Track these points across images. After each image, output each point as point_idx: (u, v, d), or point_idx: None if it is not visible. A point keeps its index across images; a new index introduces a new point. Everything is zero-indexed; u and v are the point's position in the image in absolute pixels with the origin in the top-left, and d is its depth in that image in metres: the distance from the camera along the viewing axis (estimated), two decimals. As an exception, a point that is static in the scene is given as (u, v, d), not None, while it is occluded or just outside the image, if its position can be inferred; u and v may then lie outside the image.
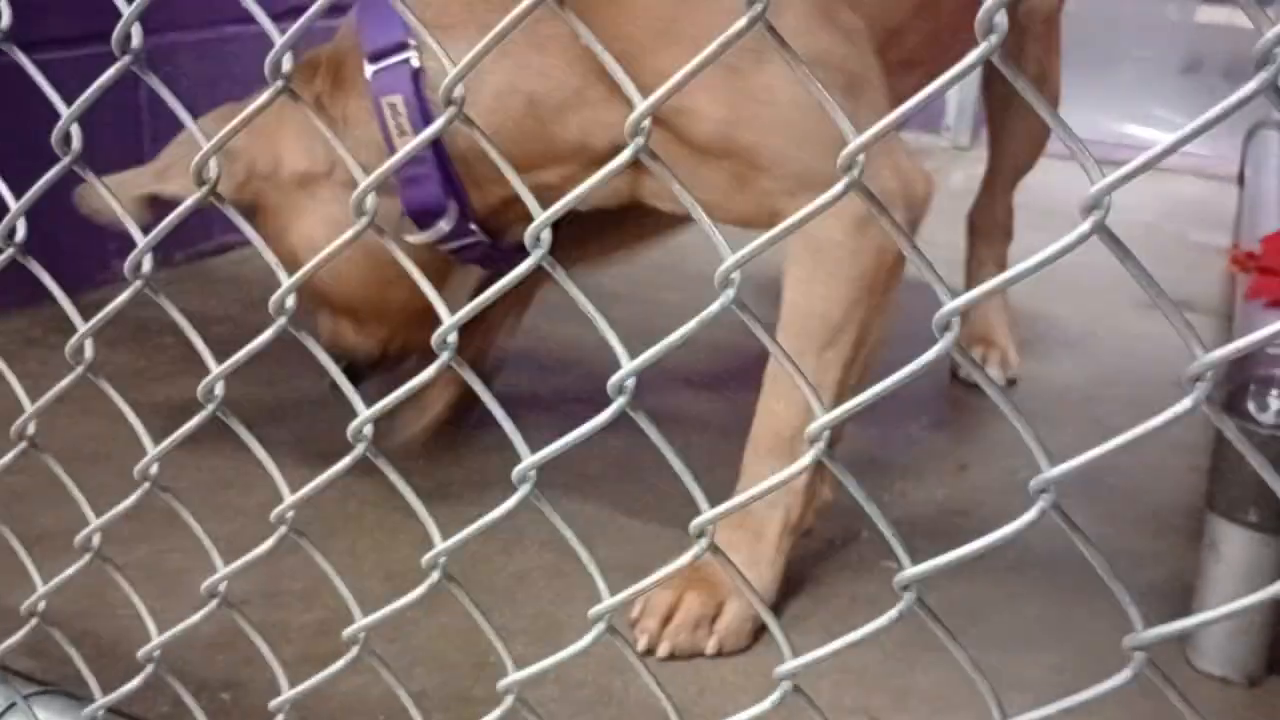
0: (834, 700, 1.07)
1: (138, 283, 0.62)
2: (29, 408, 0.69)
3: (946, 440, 1.64)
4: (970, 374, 1.73)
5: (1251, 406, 1.02)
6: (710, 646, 1.13)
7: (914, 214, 1.21)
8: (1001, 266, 1.89)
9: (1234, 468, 1.06)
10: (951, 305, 0.43)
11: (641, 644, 1.13)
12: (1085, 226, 0.41)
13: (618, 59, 0.46)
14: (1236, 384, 1.03)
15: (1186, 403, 0.41)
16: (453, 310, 0.53)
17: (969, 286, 1.85)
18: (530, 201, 0.49)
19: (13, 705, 0.77)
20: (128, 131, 1.91)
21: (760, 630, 1.15)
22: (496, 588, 1.21)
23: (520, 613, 1.18)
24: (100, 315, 0.64)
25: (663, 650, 1.13)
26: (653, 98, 0.44)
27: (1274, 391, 1.01)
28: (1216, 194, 2.58)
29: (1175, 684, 0.47)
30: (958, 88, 3.38)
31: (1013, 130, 1.83)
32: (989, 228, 1.88)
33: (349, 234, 0.52)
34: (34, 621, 0.73)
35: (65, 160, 0.62)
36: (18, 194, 0.66)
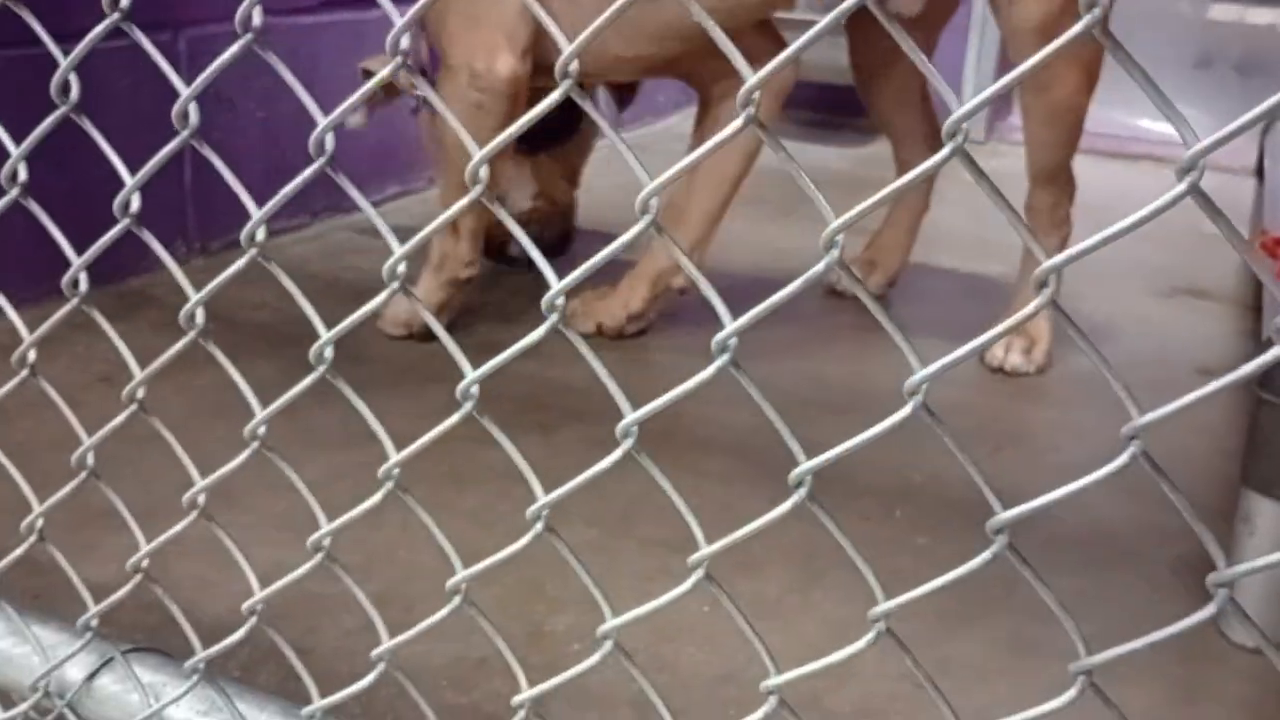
0: (879, 668, 1.11)
1: (252, 251, 0.65)
2: (139, 373, 0.72)
3: (976, 423, 1.67)
4: (995, 359, 1.79)
5: (1288, 383, 1.05)
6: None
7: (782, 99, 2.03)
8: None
9: (1269, 444, 1.09)
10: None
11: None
12: (1182, 186, 0.45)
13: None
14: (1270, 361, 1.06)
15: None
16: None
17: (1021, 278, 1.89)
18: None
19: (109, 661, 0.80)
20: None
21: (789, 594, 1.18)
22: (545, 562, 1.24)
23: (570, 585, 1.22)
24: (216, 281, 0.67)
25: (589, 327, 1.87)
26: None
27: (1308, 369, 1.04)
28: (1230, 187, 2.61)
29: (1206, 644, 0.50)
30: (972, 86, 3.44)
31: (1031, 130, 1.86)
32: (1030, 220, 1.92)
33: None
34: (138, 578, 0.76)
35: (183, 135, 0.65)
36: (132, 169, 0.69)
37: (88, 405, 0.87)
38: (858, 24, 1.92)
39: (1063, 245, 1.92)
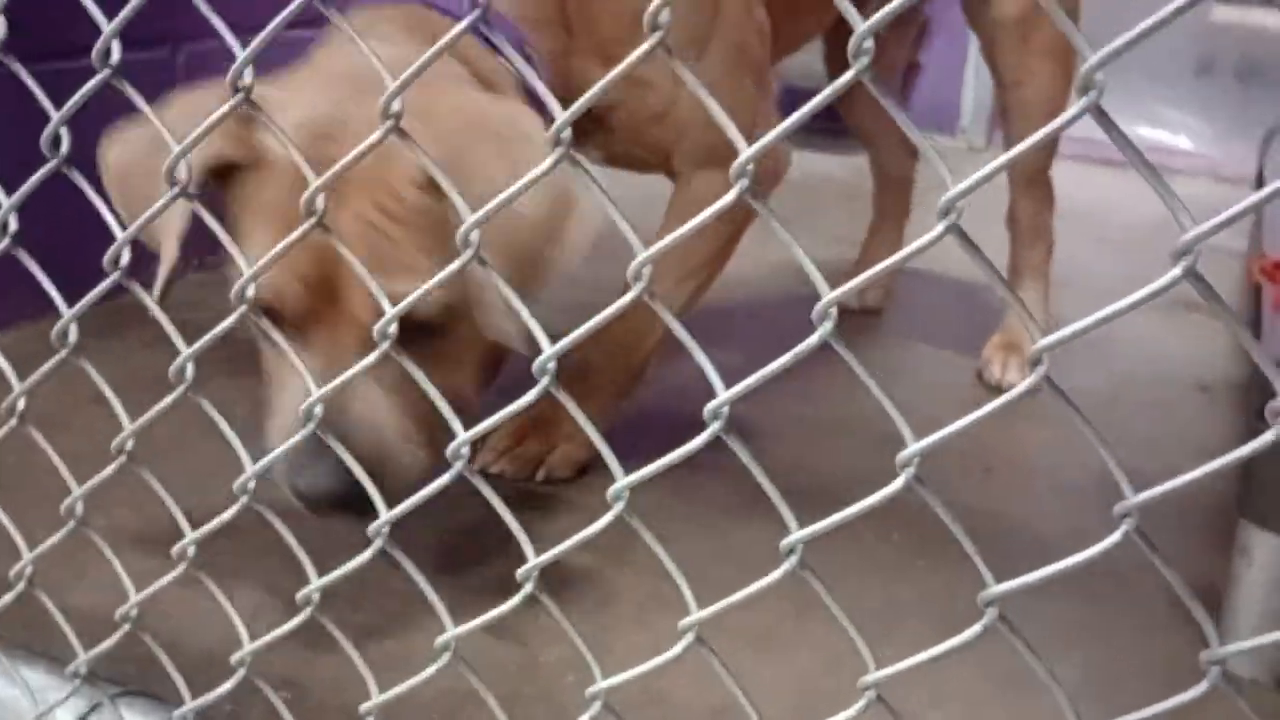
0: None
1: (114, 274, 0.66)
2: (129, 425, 0.71)
3: (970, 443, 1.66)
4: (993, 376, 1.79)
5: (1286, 416, 1.05)
6: (540, 475, 1.45)
7: (774, 186, 1.58)
8: (1037, 270, 1.92)
9: (1265, 474, 1.09)
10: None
11: (479, 463, 1.41)
12: (1177, 271, 0.44)
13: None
14: (1267, 391, 1.06)
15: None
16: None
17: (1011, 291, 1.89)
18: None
19: (98, 705, 0.79)
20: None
21: (783, 625, 1.18)
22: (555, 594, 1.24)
23: (564, 614, 1.21)
24: (207, 336, 0.67)
25: (496, 469, 1.45)
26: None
27: (1304, 400, 1.03)
28: (1230, 197, 2.61)
29: (1242, 694, 0.50)
30: (973, 90, 3.42)
31: (1009, 132, 1.86)
32: (1013, 228, 1.92)
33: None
34: (126, 627, 0.76)
35: (54, 162, 0.65)
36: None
37: (78, 429, 0.87)
38: (833, 32, 1.92)
39: (1048, 255, 1.92)
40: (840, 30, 1.82)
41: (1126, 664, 1.20)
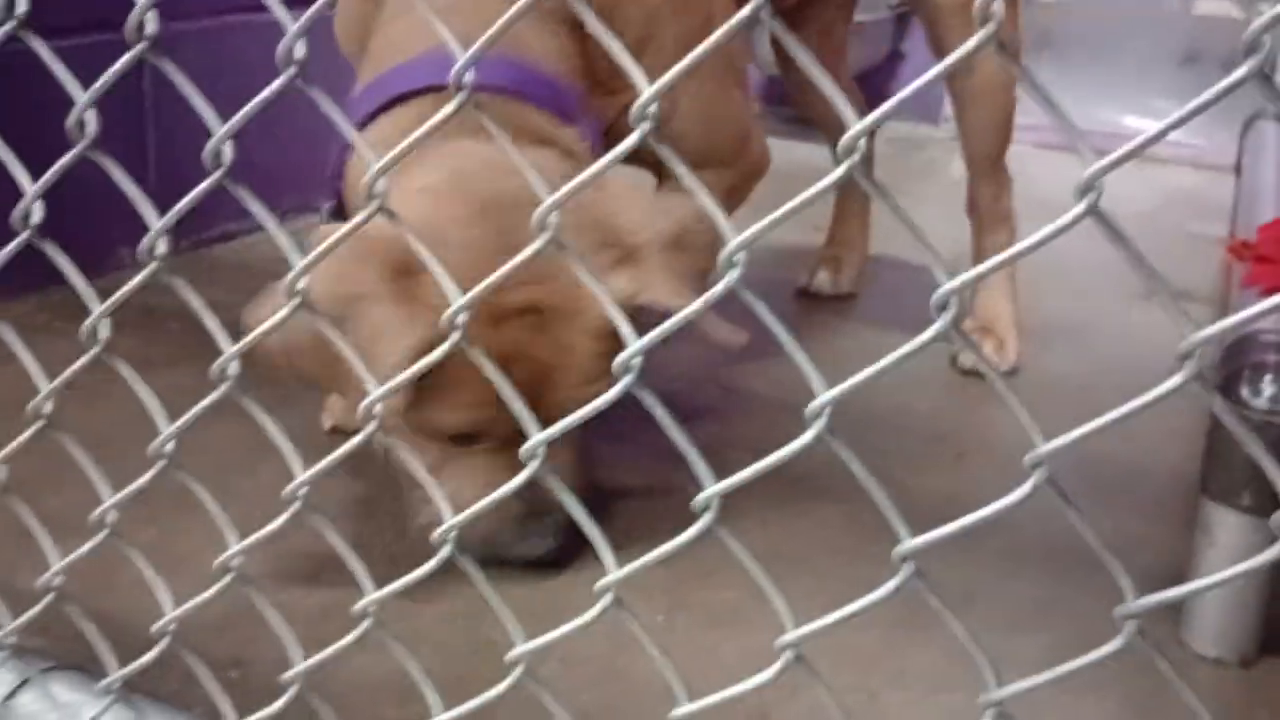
0: (832, 678, 1.08)
1: (154, 264, 0.63)
2: (44, 387, 0.70)
3: (944, 428, 1.65)
4: (968, 360, 1.77)
5: (1245, 392, 1.03)
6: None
7: (759, 178, 1.57)
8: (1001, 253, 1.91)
9: (1227, 452, 1.07)
10: (949, 286, 0.45)
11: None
12: (1080, 208, 0.43)
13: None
14: (1231, 370, 1.05)
15: (1176, 379, 0.42)
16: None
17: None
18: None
19: (27, 680, 0.78)
20: (131, 119, 1.93)
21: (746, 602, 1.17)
22: (502, 571, 1.23)
23: (512, 597, 1.20)
24: (115, 296, 0.65)
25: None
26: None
27: (1268, 377, 1.03)
28: (1213, 185, 2.60)
29: (1165, 655, 0.49)
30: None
31: (969, 120, 1.84)
32: (973, 215, 1.90)
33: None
34: (50, 597, 0.74)
35: (81, 145, 0.63)
36: (34, 178, 0.68)
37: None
38: (782, 18, 1.91)
39: (1011, 238, 1.90)
40: (789, 13, 1.82)
41: (1091, 644, 1.19)
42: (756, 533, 1.28)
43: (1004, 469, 1.58)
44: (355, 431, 0.62)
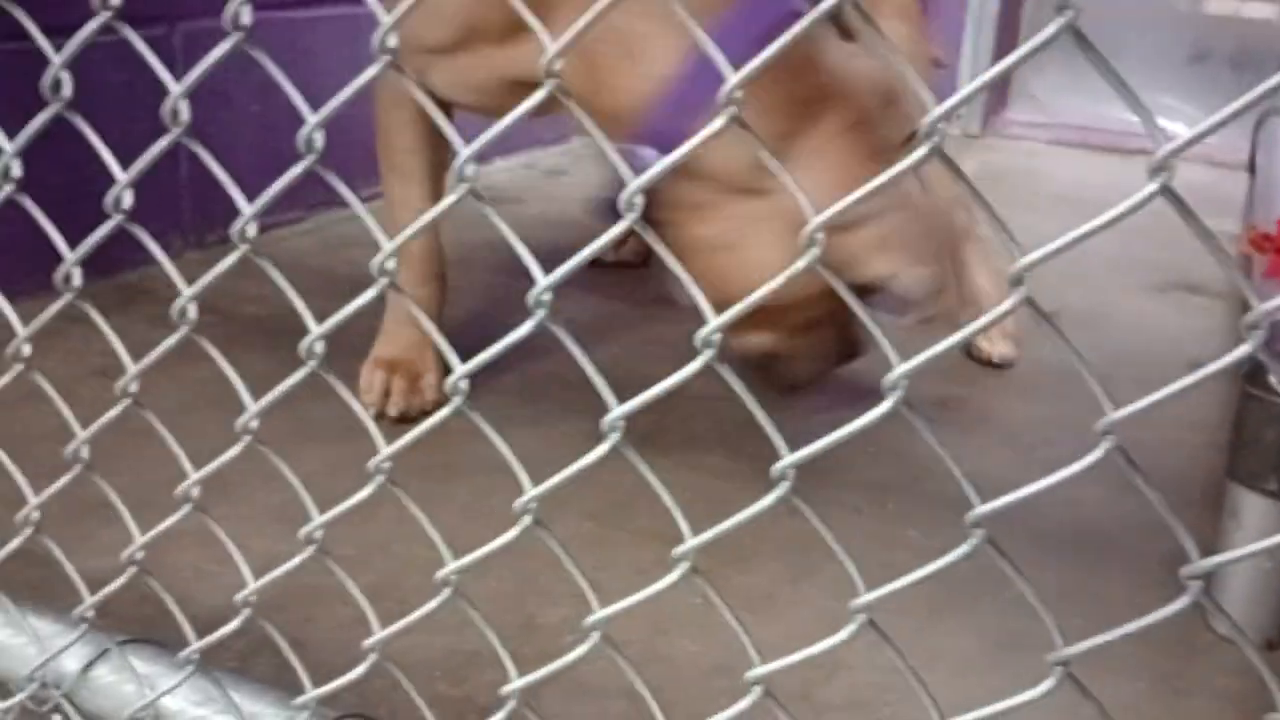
0: (869, 660, 1.12)
1: (243, 246, 0.66)
2: (132, 366, 0.73)
3: (968, 417, 1.68)
4: (986, 349, 1.80)
5: (1274, 379, 1.06)
6: (429, 404, 1.58)
7: None
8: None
9: (1255, 437, 1.10)
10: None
11: (372, 412, 1.55)
12: (1154, 186, 0.45)
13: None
14: (1258, 358, 1.07)
15: (1246, 348, 0.45)
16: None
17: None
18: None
19: (105, 652, 0.81)
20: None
21: (781, 587, 1.20)
22: (538, 555, 1.26)
23: (563, 578, 1.23)
24: (204, 278, 0.68)
25: (393, 411, 1.57)
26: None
27: (1295, 365, 1.05)
28: (1226, 182, 2.62)
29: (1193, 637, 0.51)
30: (968, 77, 3.44)
31: None
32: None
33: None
34: (131, 571, 0.77)
35: (175, 132, 0.66)
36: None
37: (82, 399, 0.88)
38: None
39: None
40: None
41: (1121, 621, 1.22)
42: (786, 522, 1.31)
43: (1029, 459, 1.62)
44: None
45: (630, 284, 2.11)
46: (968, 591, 1.24)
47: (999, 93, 3.43)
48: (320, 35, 2.26)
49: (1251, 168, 2.30)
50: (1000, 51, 3.30)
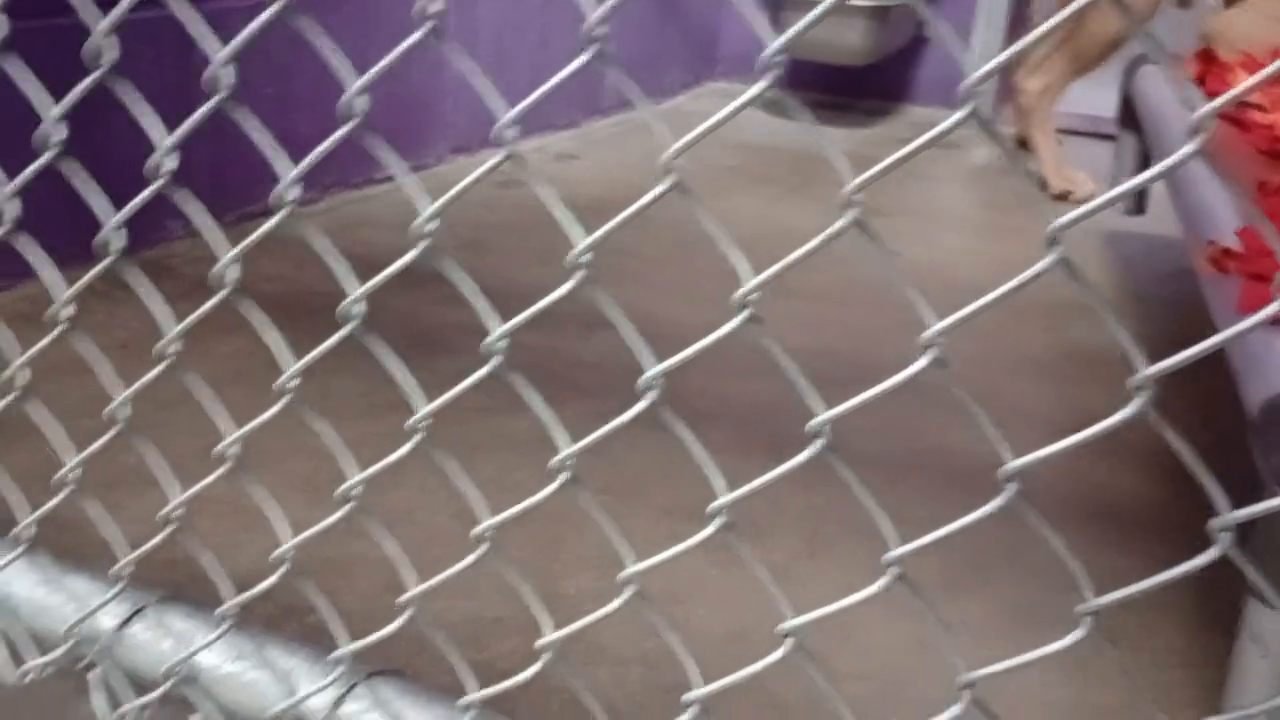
0: (887, 628, 1.14)
1: (285, 208, 0.67)
2: (170, 330, 0.74)
3: (979, 399, 1.69)
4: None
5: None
6: None
7: None
8: None
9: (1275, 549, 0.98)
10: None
11: None
12: (1190, 147, 0.47)
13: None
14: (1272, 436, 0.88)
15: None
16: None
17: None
18: None
19: (141, 609, 0.82)
20: (183, 82, 1.97)
21: (797, 562, 1.21)
22: (560, 525, 1.27)
23: (585, 550, 1.25)
24: (247, 240, 0.69)
25: None
26: None
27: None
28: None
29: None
30: (979, 62, 3.44)
31: None
32: None
33: None
34: (171, 528, 0.78)
35: (217, 98, 0.67)
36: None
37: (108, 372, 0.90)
38: None
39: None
40: None
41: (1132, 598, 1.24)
42: (801, 498, 1.33)
43: (1042, 442, 1.62)
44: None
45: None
46: (980, 565, 1.26)
47: (1005, 84, 3.43)
48: (345, 11, 2.27)
49: (1125, 121, 2.15)
50: (1014, 21, 3.31)
